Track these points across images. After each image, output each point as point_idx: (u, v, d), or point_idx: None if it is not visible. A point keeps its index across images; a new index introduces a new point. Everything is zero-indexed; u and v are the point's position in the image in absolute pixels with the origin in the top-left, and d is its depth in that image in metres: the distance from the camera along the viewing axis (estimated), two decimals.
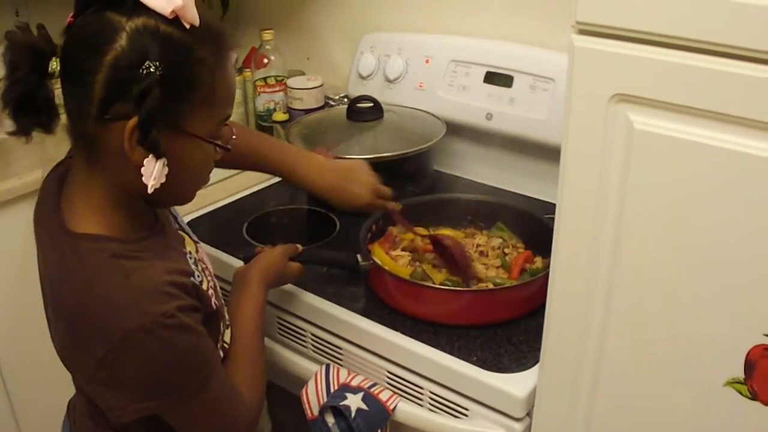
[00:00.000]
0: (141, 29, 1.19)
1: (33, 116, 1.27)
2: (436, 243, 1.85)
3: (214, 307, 1.45)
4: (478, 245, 1.91)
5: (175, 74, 1.21)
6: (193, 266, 1.44)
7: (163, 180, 1.26)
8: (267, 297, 1.66)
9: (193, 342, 1.31)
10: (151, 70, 1.18)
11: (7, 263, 2.34)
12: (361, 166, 1.88)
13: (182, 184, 1.38)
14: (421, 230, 1.96)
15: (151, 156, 1.23)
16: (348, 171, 1.86)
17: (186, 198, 1.43)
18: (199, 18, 1.24)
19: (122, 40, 1.19)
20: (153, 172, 1.24)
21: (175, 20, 1.22)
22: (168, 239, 1.45)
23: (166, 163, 1.25)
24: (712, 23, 1.03)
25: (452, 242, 1.82)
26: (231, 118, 1.37)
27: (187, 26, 1.23)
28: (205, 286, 1.44)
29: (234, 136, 1.41)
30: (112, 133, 1.23)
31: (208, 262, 1.59)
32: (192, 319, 1.30)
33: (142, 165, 1.24)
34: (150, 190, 1.25)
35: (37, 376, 2.20)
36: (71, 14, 1.25)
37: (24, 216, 2.38)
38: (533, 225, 1.90)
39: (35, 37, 1.26)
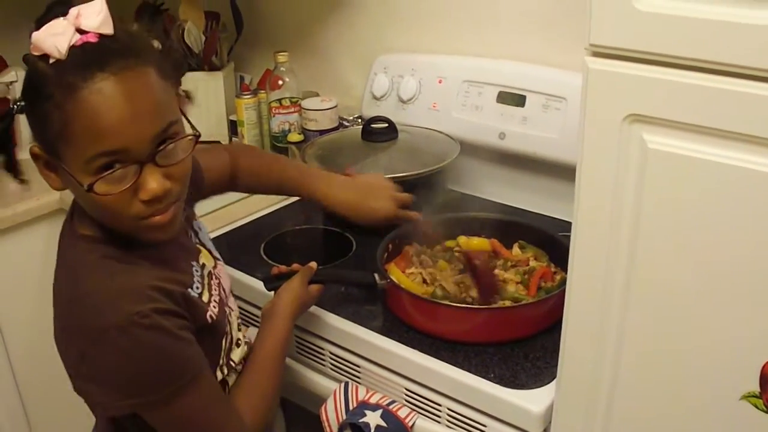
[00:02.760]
0: (25, 65, 1.27)
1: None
2: (468, 259, 1.86)
3: (209, 320, 1.46)
4: (507, 259, 1.93)
5: (29, 110, 1.27)
6: (197, 279, 1.47)
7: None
8: (292, 329, 1.68)
9: (169, 345, 1.32)
10: (12, 106, 1.27)
11: (26, 282, 2.37)
12: (378, 180, 1.91)
13: (108, 220, 1.35)
14: (451, 243, 1.99)
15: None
16: (366, 186, 1.89)
17: (141, 235, 1.37)
18: (85, 46, 1.23)
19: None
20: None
21: (45, 54, 1.24)
22: (175, 249, 1.48)
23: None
24: (725, 44, 1.05)
25: (481, 262, 1.83)
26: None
27: (51, 60, 1.22)
28: (205, 299, 1.46)
29: (153, 187, 1.30)
30: None
31: (225, 279, 1.62)
32: (171, 323, 1.32)
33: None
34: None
35: (55, 394, 2.21)
36: None
37: (42, 236, 2.42)
38: (549, 243, 1.92)
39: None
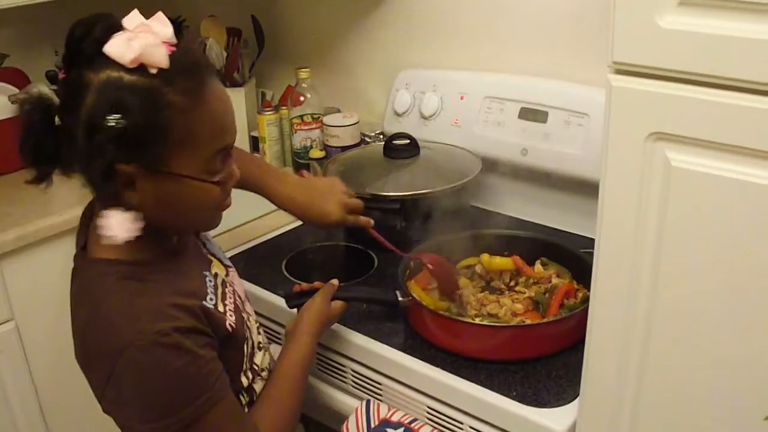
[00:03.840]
0: (106, 83, 1.25)
1: (47, 164, 1.35)
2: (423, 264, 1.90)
3: (230, 329, 1.47)
4: (530, 276, 1.92)
5: (143, 122, 1.25)
6: (210, 289, 1.48)
7: (133, 230, 1.31)
8: (315, 346, 1.68)
9: (190, 364, 1.32)
10: (111, 123, 1.23)
11: (48, 297, 2.37)
12: (332, 184, 1.94)
13: (186, 217, 1.43)
14: (472, 260, 1.99)
15: (112, 208, 1.30)
16: (317, 188, 1.92)
17: (203, 226, 1.50)
18: (174, 57, 1.27)
19: (92, 96, 1.24)
20: (115, 224, 1.29)
21: (141, 67, 1.25)
22: (187, 261, 1.50)
23: (137, 216, 1.31)
24: (749, 61, 1.04)
25: (434, 264, 1.88)
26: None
27: (154, 71, 1.25)
28: (221, 309, 1.47)
29: (234, 166, 1.44)
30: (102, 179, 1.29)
31: (238, 286, 1.63)
32: (192, 341, 1.33)
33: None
34: (119, 241, 1.30)
35: (78, 411, 2.22)
36: (62, 71, 1.31)
37: (64, 252, 2.42)
38: (571, 260, 1.91)
39: (45, 93, 1.32)
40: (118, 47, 1.24)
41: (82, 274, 1.42)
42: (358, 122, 2.64)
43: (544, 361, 1.67)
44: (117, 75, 1.24)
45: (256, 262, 2.16)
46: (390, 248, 1.95)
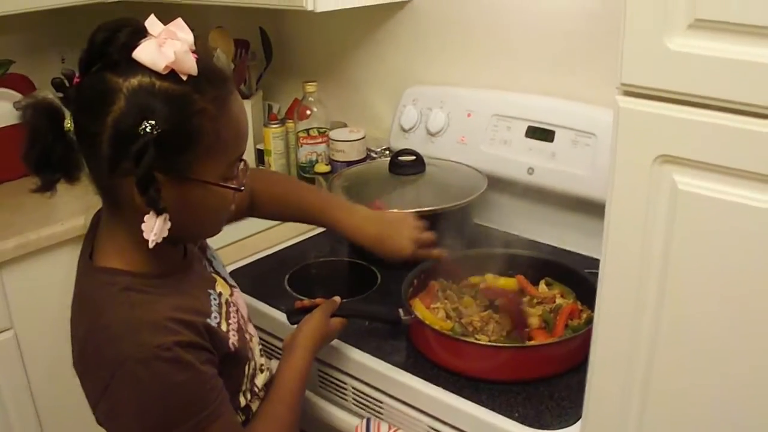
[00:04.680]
0: (137, 89, 1.23)
1: (54, 172, 1.32)
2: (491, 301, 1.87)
3: (232, 348, 1.46)
4: (534, 296, 1.91)
5: (175, 129, 1.24)
6: (215, 308, 1.47)
7: (165, 234, 1.30)
8: (312, 361, 1.67)
9: (191, 379, 1.32)
10: (147, 129, 1.22)
11: (48, 307, 2.38)
12: (404, 219, 1.89)
13: (202, 223, 1.44)
14: (476, 279, 1.98)
15: (151, 212, 1.27)
16: (389, 223, 1.88)
17: (213, 232, 1.48)
18: (199, 64, 1.27)
19: (121, 102, 1.22)
20: (153, 228, 1.27)
21: (172, 74, 1.24)
22: (193, 278, 1.49)
23: (168, 218, 1.29)
24: (758, 85, 1.03)
25: (502, 302, 1.84)
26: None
27: (184, 77, 1.25)
28: (224, 328, 1.46)
29: (248, 172, 1.45)
30: (123, 187, 1.28)
31: (242, 306, 1.62)
32: (193, 356, 1.32)
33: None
34: (151, 245, 1.28)
35: (74, 421, 2.21)
36: (77, 75, 1.30)
37: (67, 260, 2.43)
38: (576, 280, 1.90)
39: (51, 98, 1.31)
40: (150, 53, 1.23)
41: (85, 280, 1.41)
42: (364, 137, 2.64)
43: (547, 382, 1.66)
44: (149, 81, 1.23)
45: (259, 276, 2.16)
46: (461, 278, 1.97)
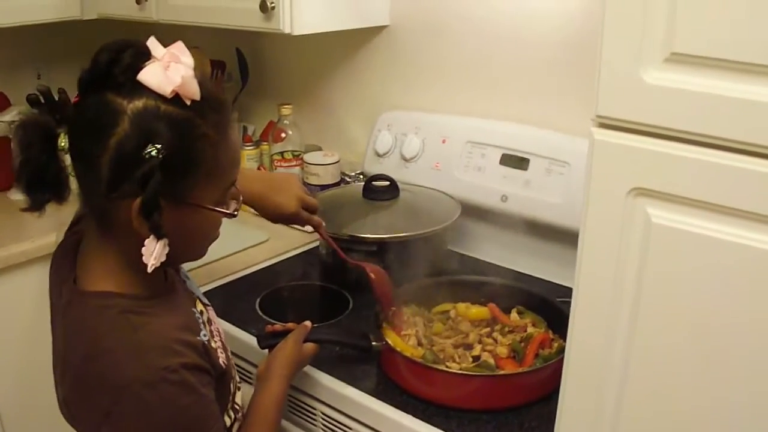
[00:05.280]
0: (142, 111, 1.22)
1: (45, 191, 1.31)
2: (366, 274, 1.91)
3: (224, 366, 1.46)
4: (505, 324, 1.90)
5: (178, 153, 1.24)
6: (202, 325, 1.46)
7: (163, 258, 1.28)
8: (287, 389, 1.66)
9: (194, 404, 1.31)
10: (153, 153, 1.21)
11: (17, 324, 2.36)
12: (290, 178, 1.94)
13: (192, 247, 1.43)
14: (447, 306, 1.98)
15: (152, 237, 1.25)
16: (275, 181, 1.91)
17: (197, 256, 1.47)
18: (201, 89, 1.26)
19: (125, 124, 1.21)
20: (153, 252, 1.26)
21: (176, 98, 1.24)
22: (178, 298, 1.48)
23: (167, 243, 1.27)
24: (732, 120, 1.04)
25: (376, 275, 1.90)
26: None
27: (188, 102, 1.24)
28: (213, 345, 1.46)
29: (241, 198, 1.44)
30: (120, 209, 1.26)
31: (218, 325, 1.61)
32: (197, 379, 1.31)
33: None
34: (150, 269, 1.27)
35: None
36: (76, 94, 1.28)
37: (36, 278, 2.41)
38: (547, 309, 1.90)
39: (45, 116, 1.29)
40: (156, 77, 1.22)
41: (76, 307, 1.37)
42: (338, 161, 2.64)
43: (517, 411, 1.65)
44: (154, 104, 1.23)
45: (231, 299, 2.14)
46: (340, 254, 1.96)
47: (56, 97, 1.33)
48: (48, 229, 2.39)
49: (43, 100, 1.30)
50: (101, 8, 2.82)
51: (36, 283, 2.42)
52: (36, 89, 1.31)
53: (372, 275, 1.89)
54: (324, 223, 1.95)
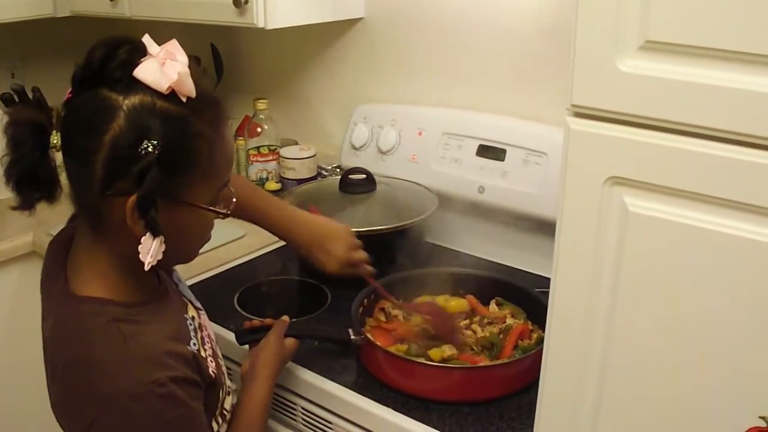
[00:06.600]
0: (138, 108, 1.21)
1: (36, 190, 1.29)
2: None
3: (213, 375, 1.44)
4: (484, 316, 1.90)
5: (174, 150, 1.22)
6: (192, 333, 1.45)
7: (160, 257, 1.27)
8: (273, 387, 1.65)
9: (180, 417, 1.29)
10: (149, 149, 1.19)
11: None
12: (339, 234, 1.88)
13: (184, 248, 1.41)
14: (427, 298, 1.98)
15: (148, 234, 1.24)
16: (323, 235, 1.86)
17: (189, 258, 1.45)
18: (195, 87, 1.25)
19: (120, 120, 1.20)
20: (150, 250, 1.25)
21: (172, 94, 1.23)
22: (170, 304, 1.47)
23: (163, 240, 1.26)
24: (708, 108, 1.04)
25: (432, 315, 1.86)
26: None
27: (184, 99, 1.24)
28: (203, 354, 1.44)
29: (234, 199, 1.41)
30: (114, 207, 1.24)
31: (210, 329, 1.59)
32: (185, 393, 1.30)
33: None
34: (146, 267, 1.25)
35: None
36: (69, 90, 1.27)
37: (15, 278, 2.40)
38: (526, 300, 1.90)
39: (36, 112, 1.27)
40: (152, 73, 1.22)
41: (66, 310, 1.35)
42: (315, 155, 2.64)
43: (497, 402, 1.65)
44: (150, 100, 1.22)
45: (209, 295, 2.12)
46: (389, 298, 1.93)
47: (30, 96, 1.31)
48: (26, 228, 2.38)
49: (17, 99, 1.29)
50: (74, 5, 2.80)
51: (15, 281, 2.40)
52: (10, 88, 1.29)
53: (428, 317, 1.86)
54: (375, 272, 1.91)
